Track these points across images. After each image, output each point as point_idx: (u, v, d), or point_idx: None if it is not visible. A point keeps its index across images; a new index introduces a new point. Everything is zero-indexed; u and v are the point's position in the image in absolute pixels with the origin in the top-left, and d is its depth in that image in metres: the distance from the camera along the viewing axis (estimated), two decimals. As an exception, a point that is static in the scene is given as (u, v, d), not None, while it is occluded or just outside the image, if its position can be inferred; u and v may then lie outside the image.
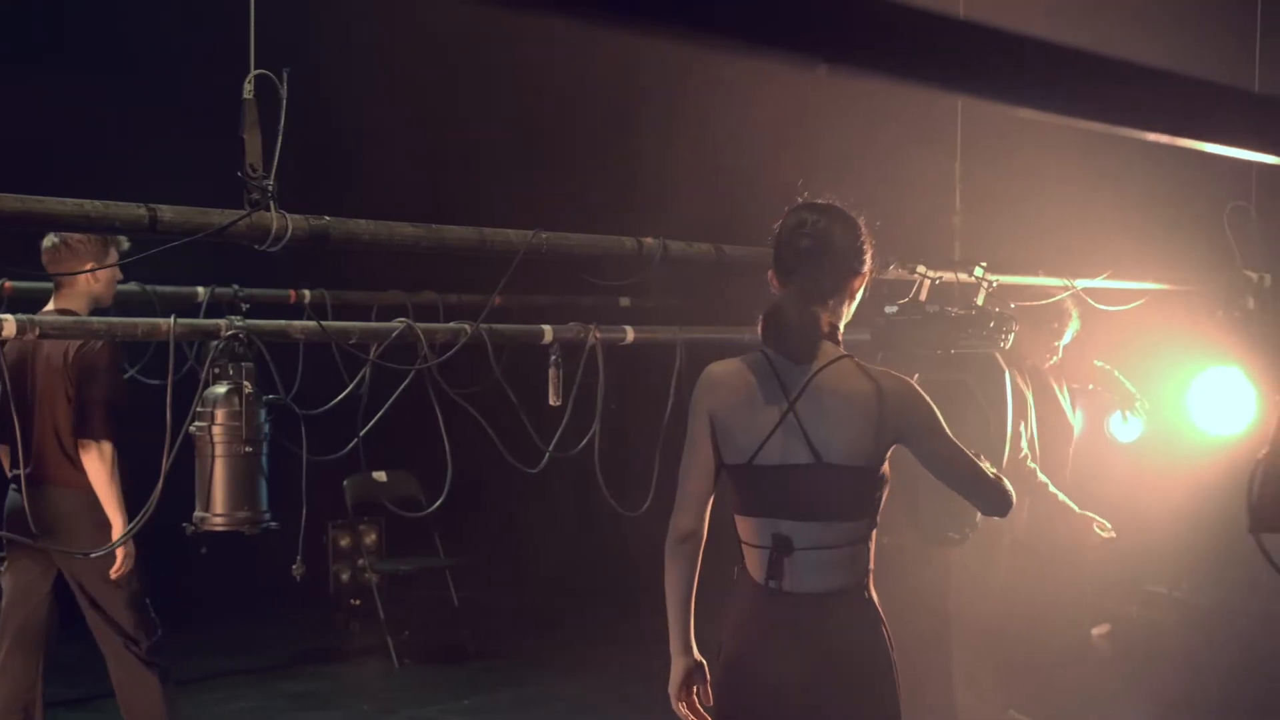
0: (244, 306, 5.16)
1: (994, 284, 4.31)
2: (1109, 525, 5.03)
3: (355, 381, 3.30)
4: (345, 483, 7.17)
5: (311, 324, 3.29)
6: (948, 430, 2.76)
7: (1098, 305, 4.89)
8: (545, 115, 7.31)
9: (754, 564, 2.82)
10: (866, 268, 2.86)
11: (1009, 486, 2.85)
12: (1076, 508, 5.05)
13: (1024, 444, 4.92)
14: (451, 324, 3.52)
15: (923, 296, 4.21)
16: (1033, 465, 4.98)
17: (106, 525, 4.19)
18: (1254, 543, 1.53)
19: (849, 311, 2.90)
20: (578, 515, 8.22)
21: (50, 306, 4.39)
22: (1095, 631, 7.13)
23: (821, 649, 2.76)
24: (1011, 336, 4.12)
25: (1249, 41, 4.56)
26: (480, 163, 7.30)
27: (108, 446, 4.24)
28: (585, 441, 3.78)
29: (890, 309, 4.04)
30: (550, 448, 3.70)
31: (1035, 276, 4.66)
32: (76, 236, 4.15)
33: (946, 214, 4.56)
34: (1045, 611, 5.95)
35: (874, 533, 2.83)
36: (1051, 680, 5.92)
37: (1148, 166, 4.99)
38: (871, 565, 2.83)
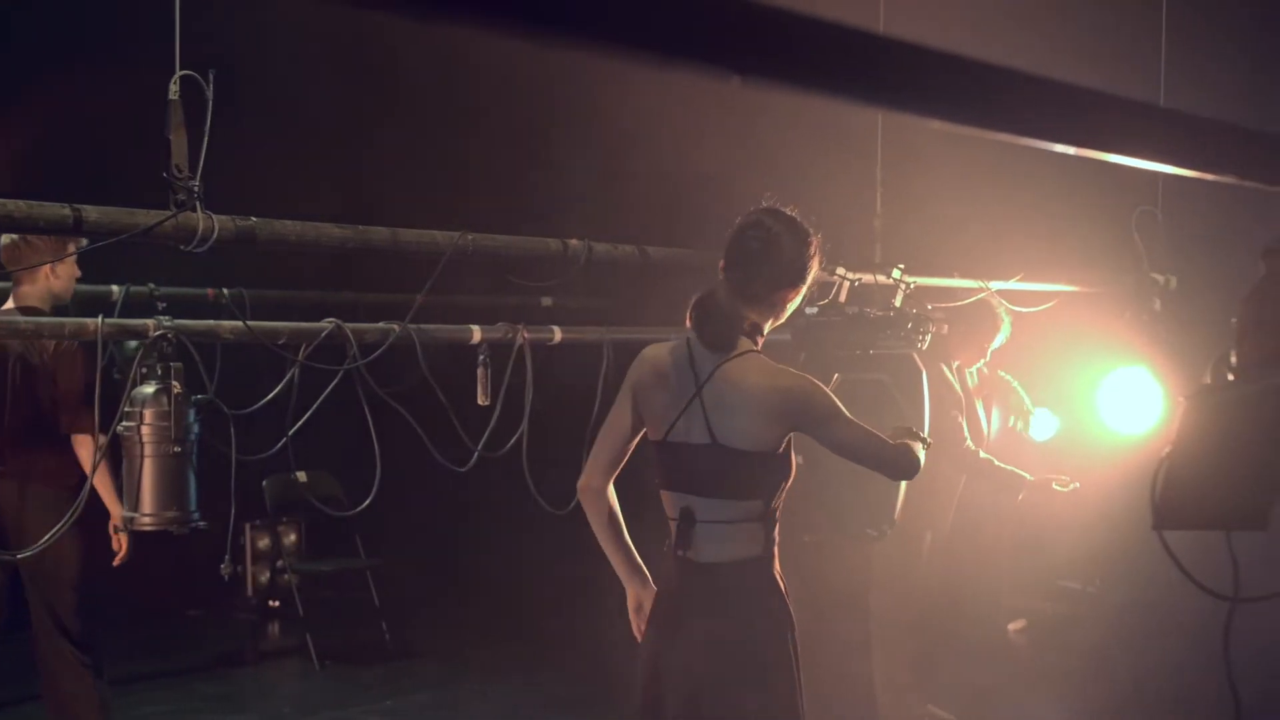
0: (160, 305, 5.15)
1: (911, 286, 4.46)
2: (1067, 478, 5.17)
3: (284, 381, 3.33)
4: (264, 483, 7.13)
5: (239, 324, 3.31)
6: (845, 414, 2.92)
7: (1011, 306, 5.08)
8: (467, 117, 7.35)
9: (671, 535, 3.04)
10: (805, 284, 3.03)
11: (918, 453, 3.03)
12: (1028, 475, 5.23)
13: (965, 433, 5.12)
14: (380, 324, 3.57)
15: (842, 298, 4.35)
16: (974, 449, 5.18)
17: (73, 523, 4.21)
18: (1158, 539, 1.64)
19: (779, 318, 3.08)
20: (501, 515, 8.26)
21: (10, 305, 4.40)
22: (1011, 627, 7.36)
23: (716, 616, 2.97)
24: (929, 337, 4.27)
25: (1154, 57, 4.77)
26: (398, 163, 7.32)
27: (100, 438, 4.26)
28: (513, 441, 3.85)
29: (811, 310, 4.16)
30: (479, 447, 3.77)
31: (951, 279, 4.83)
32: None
33: (866, 216, 4.71)
34: (962, 608, 6.15)
35: (775, 514, 3.00)
36: (968, 675, 6.12)
37: (1059, 172, 5.17)
38: (774, 545, 3.01)
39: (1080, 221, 5.58)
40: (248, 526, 7.68)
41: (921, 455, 3.06)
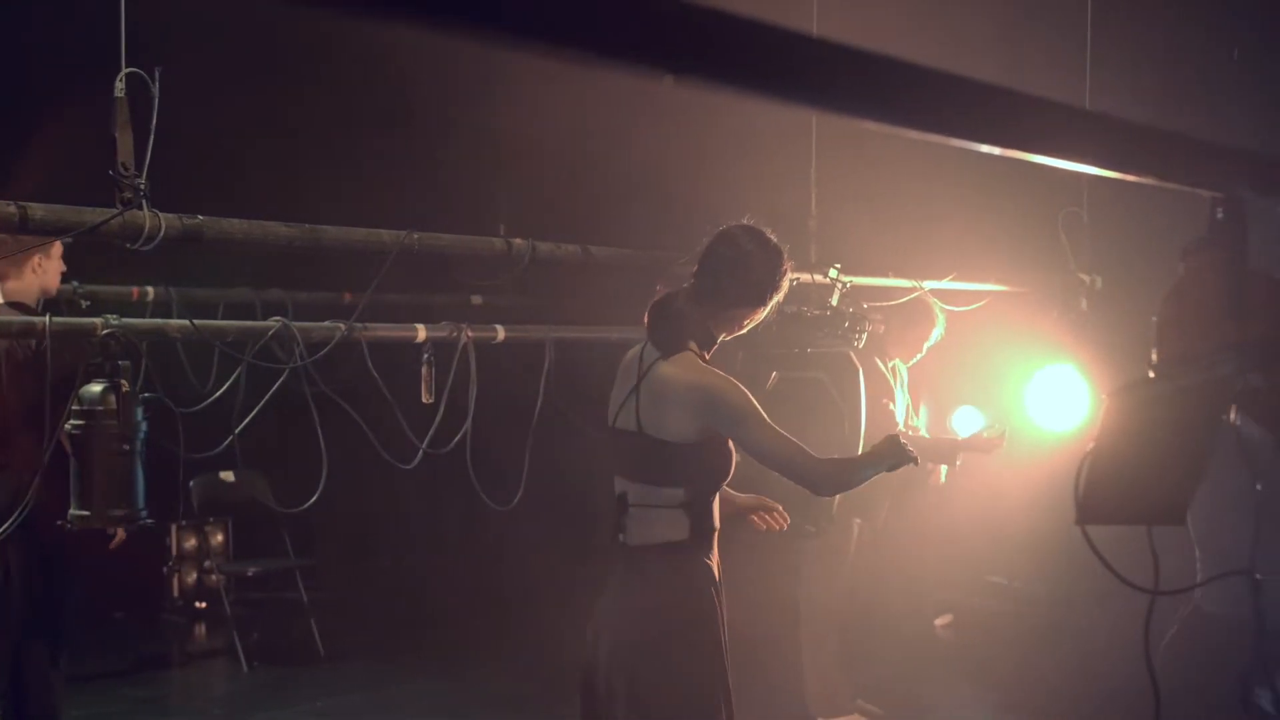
0: (84, 304, 5.17)
1: (848, 285, 4.63)
2: (997, 427, 5.32)
3: (231, 380, 3.41)
4: (191, 484, 7.13)
5: (186, 323, 3.38)
6: (761, 421, 3.09)
7: (945, 306, 5.28)
8: (409, 115, 7.40)
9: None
10: (768, 306, 3.24)
11: (820, 472, 3.18)
12: (959, 434, 5.43)
13: (900, 423, 5.35)
14: (326, 323, 3.66)
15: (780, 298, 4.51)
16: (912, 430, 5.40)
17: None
18: (1081, 535, 1.78)
19: (734, 332, 3.28)
20: (433, 513, 8.35)
21: None
22: (938, 622, 7.59)
23: (635, 596, 3.17)
24: (865, 335, 4.44)
25: (1080, 61, 4.98)
26: (335, 163, 7.35)
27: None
28: (458, 439, 3.96)
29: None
30: (424, 444, 3.86)
31: (886, 278, 5.01)
32: None
33: (802, 215, 4.87)
34: (891, 603, 6.36)
35: (703, 504, 3.17)
36: (897, 670, 6.33)
37: (989, 173, 5.35)
38: (704, 534, 3.18)
39: (1010, 222, 5.78)
40: (174, 527, 7.68)
41: (866, 474, 3.22)
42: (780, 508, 3.52)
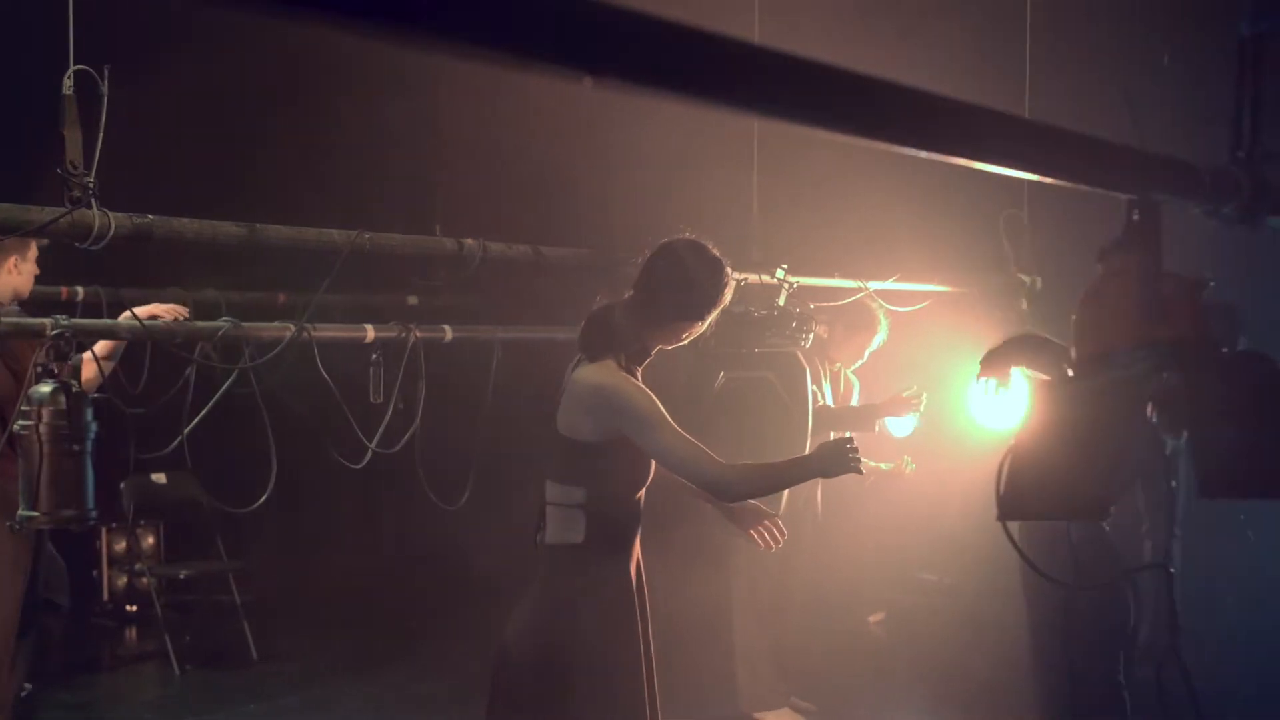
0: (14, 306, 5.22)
1: (794, 285, 4.80)
2: (912, 389, 5.55)
3: (182, 381, 3.50)
4: (122, 485, 7.15)
5: (135, 323, 3.46)
6: (664, 426, 3.18)
7: (888, 306, 5.46)
8: (349, 114, 7.47)
9: None
10: (706, 321, 3.33)
11: (724, 479, 3.24)
12: (894, 433, 5.62)
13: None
14: (276, 323, 3.76)
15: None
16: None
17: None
18: (1003, 530, 1.92)
19: (670, 344, 3.38)
20: (370, 514, 8.42)
21: None
22: (872, 619, 7.81)
23: (532, 596, 3.30)
24: (811, 336, 4.61)
25: (1019, 71, 5.20)
26: (283, 162, 7.41)
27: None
28: (406, 438, 4.07)
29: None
30: (374, 443, 3.98)
31: (832, 279, 5.19)
32: None
33: (745, 216, 5.04)
34: (827, 600, 6.55)
35: (603, 507, 3.26)
36: (830, 666, 6.52)
37: (931, 175, 5.54)
38: (603, 537, 3.27)
39: (952, 224, 5.98)
40: (104, 530, 7.69)
41: (791, 479, 3.39)
42: (778, 521, 3.57)
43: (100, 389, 3.41)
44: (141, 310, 3.78)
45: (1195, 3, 4.99)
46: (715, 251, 3.33)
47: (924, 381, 5.79)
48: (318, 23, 0.96)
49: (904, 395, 5.51)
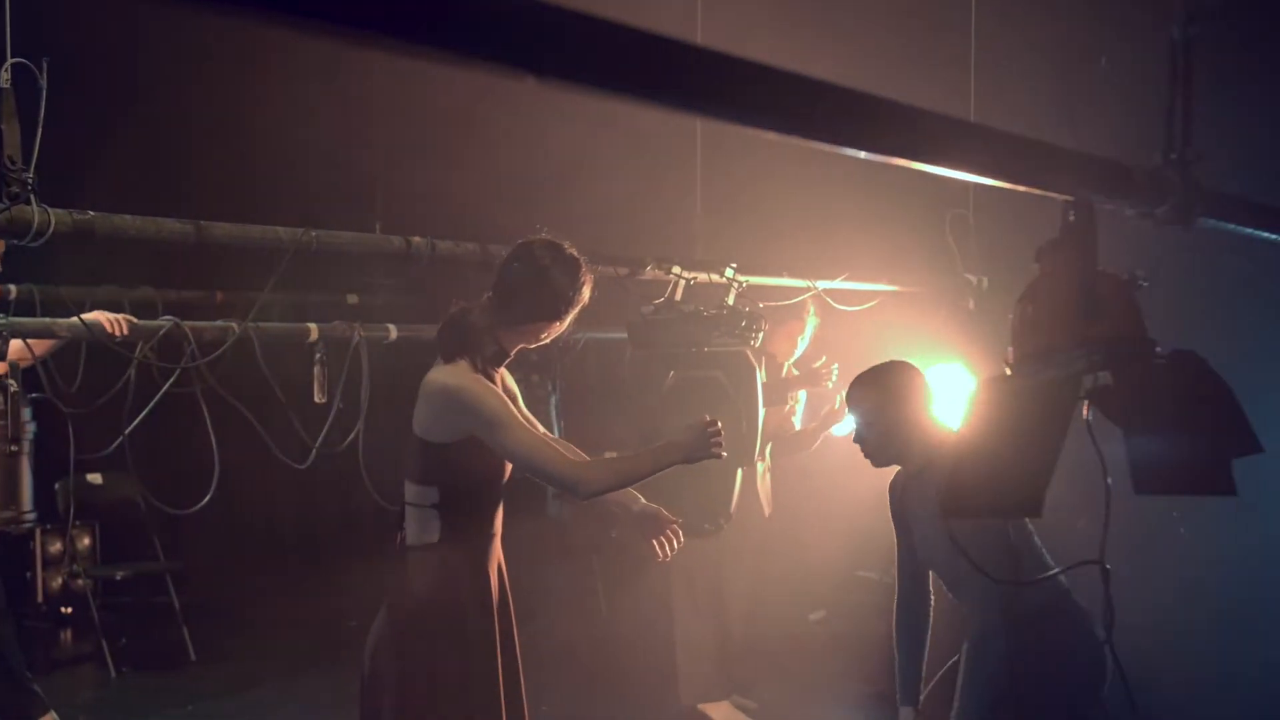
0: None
1: (744, 284, 4.86)
2: (825, 362, 5.67)
3: (123, 380, 3.49)
4: (57, 486, 7.09)
5: (75, 321, 3.45)
6: (512, 425, 3.21)
7: (836, 305, 5.54)
8: (287, 110, 7.44)
9: None
10: (566, 320, 3.34)
11: (575, 476, 3.24)
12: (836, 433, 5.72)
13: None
14: (219, 322, 3.76)
15: (677, 296, 4.72)
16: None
17: None
18: (945, 528, 1.96)
19: (530, 345, 3.39)
20: (308, 515, 8.39)
21: None
22: (813, 617, 7.89)
23: (391, 596, 3.34)
24: (761, 335, 4.67)
25: (965, 76, 5.29)
26: (230, 159, 7.37)
27: None
28: (351, 438, 4.08)
29: (647, 309, 4.51)
30: (318, 443, 3.98)
31: (781, 278, 5.25)
32: None
33: (689, 215, 5.09)
34: (769, 598, 6.62)
35: (456, 507, 3.29)
36: (771, 664, 6.59)
37: (879, 175, 5.61)
38: (460, 538, 3.30)
39: (900, 224, 6.05)
40: (38, 531, 7.61)
41: (648, 469, 3.28)
42: (675, 526, 3.55)
43: (38, 389, 3.39)
44: (87, 317, 3.75)
45: (1131, 8, 5.10)
46: (572, 250, 3.33)
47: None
48: (273, 23, 0.97)
49: (815, 366, 5.63)
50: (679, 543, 3.54)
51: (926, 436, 3.67)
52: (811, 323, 5.83)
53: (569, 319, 3.35)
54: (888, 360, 3.82)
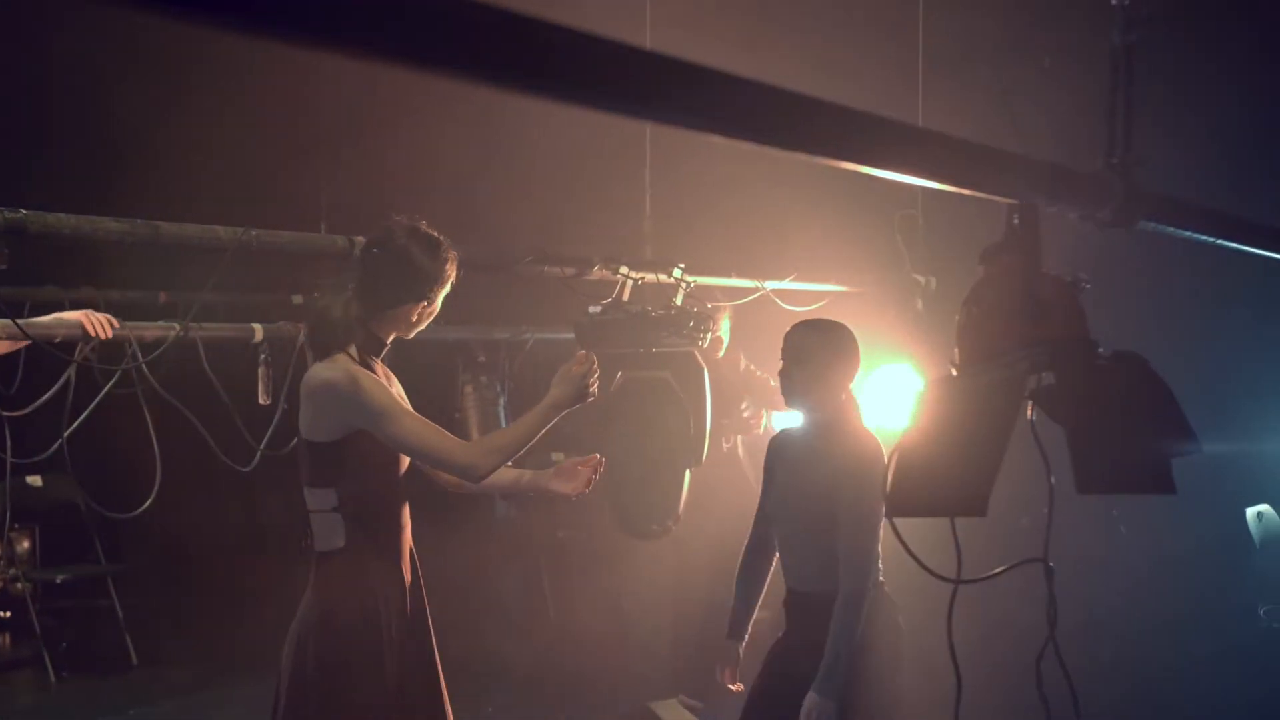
0: None
1: (692, 284, 4.87)
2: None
3: (61, 381, 3.45)
4: (-7, 489, 7.02)
5: (7, 321, 3.39)
6: (398, 414, 3.17)
7: (784, 305, 5.56)
8: (228, 109, 7.39)
9: None
10: (432, 301, 3.29)
11: (468, 457, 3.23)
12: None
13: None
14: (160, 323, 3.71)
15: (625, 296, 4.72)
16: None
17: None
18: (890, 526, 1.98)
19: (405, 332, 3.34)
20: (249, 516, 8.33)
21: None
22: (763, 615, 7.93)
23: (303, 605, 3.33)
24: (709, 335, 4.68)
25: (913, 81, 5.33)
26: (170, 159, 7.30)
27: None
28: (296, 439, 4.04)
29: (594, 309, 4.51)
30: (263, 445, 3.95)
31: (729, 278, 5.27)
32: None
33: (638, 215, 5.09)
34: (716, 599, 6.65)
35: (359, 507, 3.23)
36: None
37: (827, 175, 5.65)
38: (366, 539, 3.24)
39: (848, 224, 6.09)
40: (-26, 534, 7.52)
41: (533, 428, 3.24)
42: (595, 457, 3.53)
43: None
44: (69, 316, 3.68)
45: (1072, 12, 5.17)
46: (431, 230, 3.30)
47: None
48: (232, 30, 0.96)
49: (745, 416, 5.71)
50: (600, 465, 3.52)
51: (839, 403, 3.80)
52: (726, 319, 5.84)
53: (438, 299, 3.30)
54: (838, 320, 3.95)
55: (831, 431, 3.77)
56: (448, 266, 3.28)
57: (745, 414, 5.94)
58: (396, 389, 3.37)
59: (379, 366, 3.31)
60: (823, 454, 3.74)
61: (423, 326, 3.36)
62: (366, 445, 3.17)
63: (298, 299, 7.06)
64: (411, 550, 3.36)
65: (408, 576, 3.32)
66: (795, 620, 3.92)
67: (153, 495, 3.77)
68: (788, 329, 3.89)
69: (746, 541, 4.16)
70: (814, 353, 3.75)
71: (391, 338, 3.32)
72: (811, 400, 3.80)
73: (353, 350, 3.21)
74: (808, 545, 3.78)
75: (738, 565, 4.19)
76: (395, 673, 3.24)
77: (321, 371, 3.18)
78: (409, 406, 3.29)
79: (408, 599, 3.30)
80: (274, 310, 6.41)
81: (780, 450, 3.98)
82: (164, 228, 3.49)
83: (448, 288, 3.31)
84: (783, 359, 3.82)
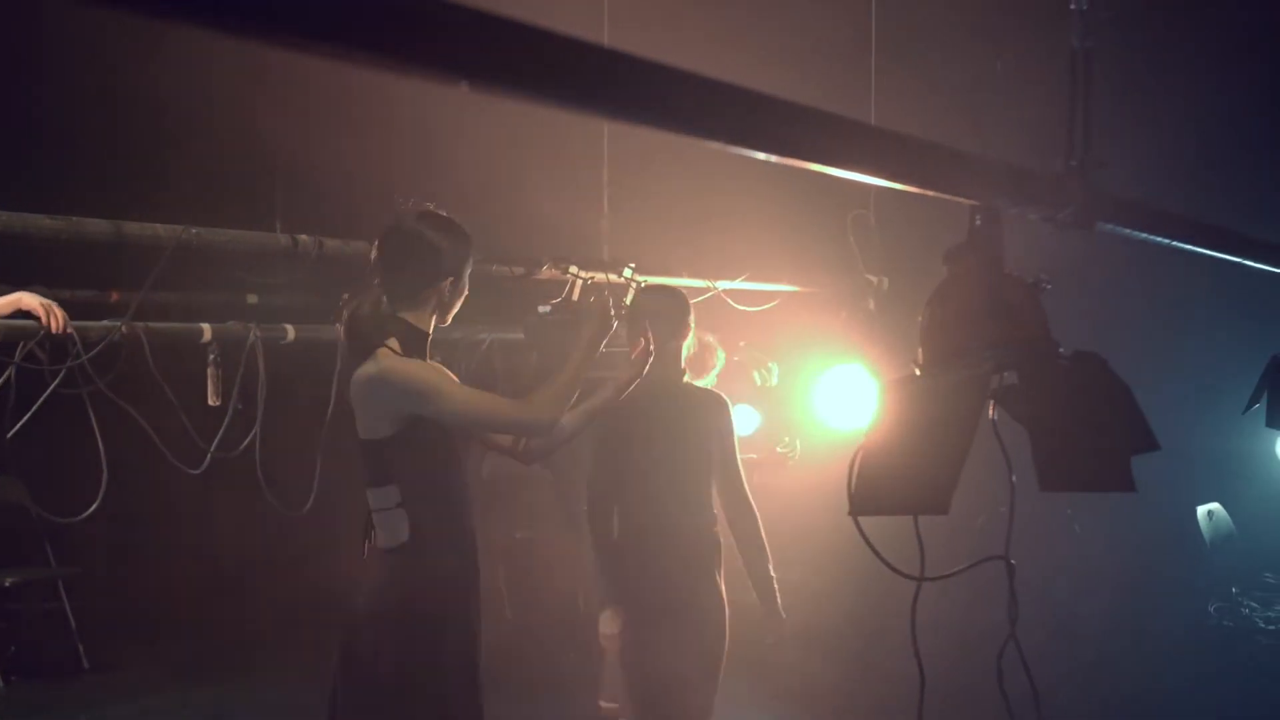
0: None
1: (642, 284, 4.85)
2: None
3: (1, 380, 3.37)
4: (-65, 492, 6.90)
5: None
6: (450, 389, 3.17)
7: (737, 305, 5.55)
8: (175, 108, 7.29)
9: None
10: (457, 277, 3.28)
11: (531, 413, 3.23)
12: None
13: None
14: (105, 321, 3.65)
15: (575, 296, 4.69)
16: None
17: None
18: (854, 525, 1.99)
19: (442, 317, 3.31)
20: (207, 519, 8.24)
21: None
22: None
23: (363, 600, 3.25)
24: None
25: (865, 80, 5.35)
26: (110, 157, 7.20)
27: None
28: (247, 442, 4.00)
29: (543, 309, 4.48)
30: (213, 448, 3.89)
31: (680, 278, 5.25)
32: None
33: (597, 215, 5.07)
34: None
35: (418, 501, 3.20)
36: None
37: (780, 175, 5.66)
38: (428, 533, 3.21)
39: (801, 224, 6.11)
40: (-81, 538, 7.36)
41: (582, 366, 3.27)
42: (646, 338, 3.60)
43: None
44: (26, 299, 3.61)
45: (1032, 16, 5.21)
46: (442, 211, 3.28)
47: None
48: (189, 25, 0.95)
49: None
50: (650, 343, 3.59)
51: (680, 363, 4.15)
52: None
53: (464, 276, 3.28)
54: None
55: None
56: (465, 242, 3.26)
57: None
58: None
59: (428, 359, 3.28)
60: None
61: (456, 308, 3.32)
62: (424, 436, 3.16)
63: (253, 298, 6.99)
64: (474, 537, 3.34)
65: (477, 564, 3.33)
66: None
67: (97, 501, 3.68)
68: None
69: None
70: (668, 313, 4.10)
71: (432, 326, 3.27)
72: (671, 354, 4.15)
73: (393, 344, 3.16)
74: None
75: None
76: (475, 662, 3.29)
77: (365, 368, 3.15)
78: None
79: (474, 594, 3.33)
80: (230, 310, 6.35)
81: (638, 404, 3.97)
82: (99, 225, 3.41)
83: (470, 264, 3.28)
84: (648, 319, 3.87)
